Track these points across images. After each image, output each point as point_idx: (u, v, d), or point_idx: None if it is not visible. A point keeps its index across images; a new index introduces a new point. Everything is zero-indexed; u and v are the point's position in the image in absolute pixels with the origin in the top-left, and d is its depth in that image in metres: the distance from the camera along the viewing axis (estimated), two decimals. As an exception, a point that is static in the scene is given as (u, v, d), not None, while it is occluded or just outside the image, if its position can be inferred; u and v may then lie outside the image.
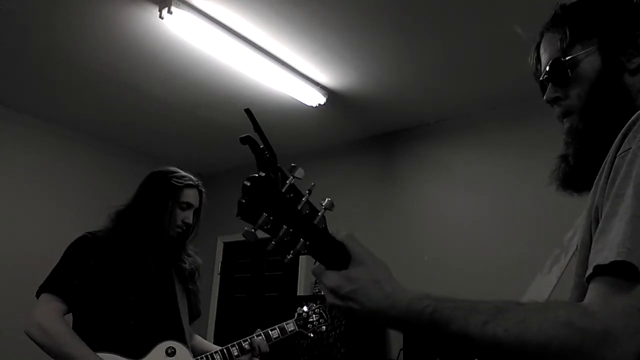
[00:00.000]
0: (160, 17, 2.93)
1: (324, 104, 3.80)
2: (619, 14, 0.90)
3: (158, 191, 2.06)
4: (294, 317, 2.27)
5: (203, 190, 2.17)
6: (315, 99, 3.76)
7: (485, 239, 3.68)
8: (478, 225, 3.76)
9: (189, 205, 2.08)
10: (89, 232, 2.02)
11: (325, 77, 3.63)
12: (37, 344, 1.82)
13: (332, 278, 0.77)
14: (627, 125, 0.75)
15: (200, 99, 3.99)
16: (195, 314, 2.23)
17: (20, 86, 3.95)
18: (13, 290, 3.93)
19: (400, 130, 4.36)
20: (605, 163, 0.75)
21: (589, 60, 0.90)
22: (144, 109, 4.21)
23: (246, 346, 2.08)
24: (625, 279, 0.63)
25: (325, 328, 2.33)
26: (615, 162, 0.72)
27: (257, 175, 0.71)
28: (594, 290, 0.66)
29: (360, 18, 3.00)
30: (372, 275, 0.76)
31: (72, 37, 3.30)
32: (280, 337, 2.18)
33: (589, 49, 0.90)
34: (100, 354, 1.82)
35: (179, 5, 2.89)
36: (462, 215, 3.86)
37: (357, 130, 4.43)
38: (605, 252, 0.65)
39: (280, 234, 0.72)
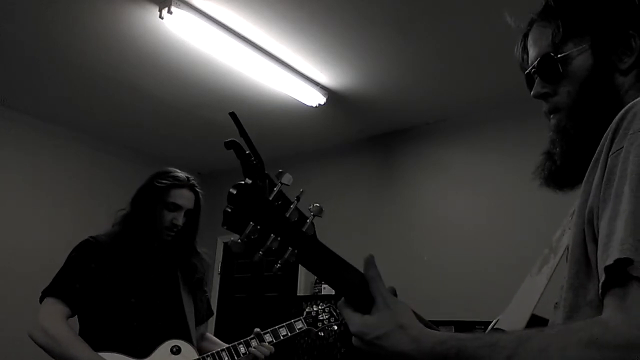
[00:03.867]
0: (160, 17, 2.92)
1: (324, 104, 3.79)
2: (613, 12, 0.88)
3: (144, 194, 2.05)
4: (302, 315, 2.23)
5: (199, 190, 2.12)
6: (315, 99, 3.75)
7: (485, 238, 3.67)
8: (478, 225, 3.75)
9: (176, 206, 2.03)
10: (91, 237, 2.03)
11: (325, 77, 3.62)
12: (41, 346, 1.83)
13: (356, 324, 0.77)
14: (614, 122, 0.73)
15: (200, 99, 3.98)
16: (205, 315, 2.23)
17: (20, 86, 3.94)
18: (12, 290, 3.94)
19: (400, 130, 4.35)
20: (598, 162, 0.74)
21: (581, 58, 0.89)
22: (144, 109, 4.20)
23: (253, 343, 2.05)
24: (637, 280, 0.61)
25: (337, 327, 2.29)
26: (609, 162, 0.71)
27: (243, 182, 0.67)
28: (611, 304, 0.64)
29: (360, 18, 2.99)
30: (396, 320, 0.76)
31: (72, 37, 3.30)
32: (289, 334, 2.14)
33: (581, 47, 0.89)
34: (104, 354, 1.83)
35: (179, 5, 2.89)
36: (462, 215, 3.85)
37: (357, 130, 4.42)
38: (610, 252, 0.64)
39: (268, 243, 0.69)
